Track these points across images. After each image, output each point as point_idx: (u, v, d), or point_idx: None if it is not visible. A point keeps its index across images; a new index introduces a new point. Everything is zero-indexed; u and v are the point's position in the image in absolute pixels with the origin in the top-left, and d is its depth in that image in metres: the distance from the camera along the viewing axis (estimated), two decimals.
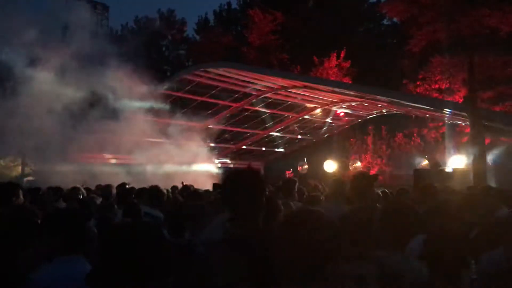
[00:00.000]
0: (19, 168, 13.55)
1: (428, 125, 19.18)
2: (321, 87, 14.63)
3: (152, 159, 13.03)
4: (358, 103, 16.22)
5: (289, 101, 16.74)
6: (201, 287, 1.97)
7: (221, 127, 16.98)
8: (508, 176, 10.85)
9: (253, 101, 16.17)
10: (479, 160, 11.00)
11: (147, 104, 13.39)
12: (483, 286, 2.23)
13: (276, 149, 20.34)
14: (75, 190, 6.39)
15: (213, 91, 14.99)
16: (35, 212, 2.81)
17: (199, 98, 15.10)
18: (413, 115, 17.29)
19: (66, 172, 10.51)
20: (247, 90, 15.47)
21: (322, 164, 17.84)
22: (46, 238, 2.37)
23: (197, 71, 14.46)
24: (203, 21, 36.52)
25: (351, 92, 14.51)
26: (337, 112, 17.97)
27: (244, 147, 19.12)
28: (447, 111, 13.31)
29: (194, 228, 3.30)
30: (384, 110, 17.42)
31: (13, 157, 13.42)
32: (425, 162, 15.33)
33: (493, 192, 4.99)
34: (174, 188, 8.26)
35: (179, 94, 14.86)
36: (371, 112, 18.36)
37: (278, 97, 16.16)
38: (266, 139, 19.28)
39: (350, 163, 19.11)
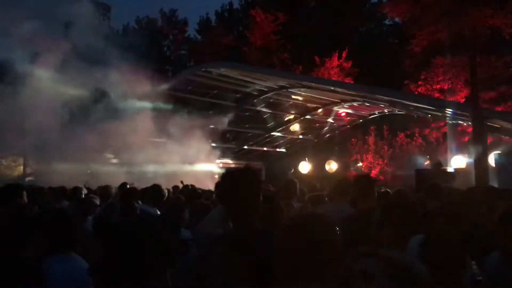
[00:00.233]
0: (21, 168, 13.58)
1: (429, 125, 19.14)
2: (322, 87, 14.63)
3: (153, 159, 13.03)
4: (360, 103, 16.20)
5: (290, 101, 16.72)
6: (201, 287, 1.97)
7: (222, 127, 16.98)
8: (511, 176, 10.79)
9: (255, 101, 16.19)
10: (481, 160, 10.96)
11: (148, 104, 13.40)
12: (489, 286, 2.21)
13: (278, 149, 20.33)
14: (77, 190, 6.52)
15: (215, 91, 14.99)
16: (33, 211, 2.84)
17: (201, 98, 15.12)
18: (415, 115, 17.25)
19: (68, 172, 10.53)
20: (248, 90, 15.48)
21: (324, 164, 17.83)
22: (40, 237, 2.39)
23: (198, 71, 14.48)
24: (205, 21, 36.54)
25: (353, 92, 14.50)
26: (339, 112, 17.94)
27: (245, 147, 19.11)
28: (448, 111, 13.28)
29: (194, 228, 3.30)
30: (386, 110, 17.39)
31: (15, 157, 13.45)
32: (426, 162, 15.28)
33: (494, 192, 4.95)
34: (175, 188, 8.30)
35: (181, 94, 14.88)
36: (372, 112, 18.33)
37: (280, 97, 16.17)
38: (268, 139, 19.27)
39: (351, 163, 19.07)
